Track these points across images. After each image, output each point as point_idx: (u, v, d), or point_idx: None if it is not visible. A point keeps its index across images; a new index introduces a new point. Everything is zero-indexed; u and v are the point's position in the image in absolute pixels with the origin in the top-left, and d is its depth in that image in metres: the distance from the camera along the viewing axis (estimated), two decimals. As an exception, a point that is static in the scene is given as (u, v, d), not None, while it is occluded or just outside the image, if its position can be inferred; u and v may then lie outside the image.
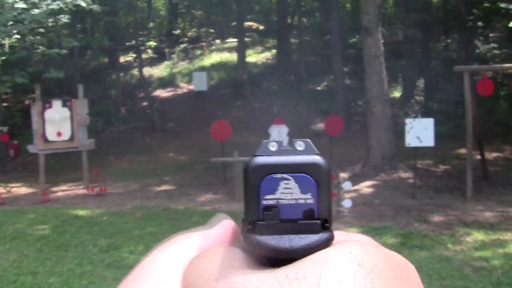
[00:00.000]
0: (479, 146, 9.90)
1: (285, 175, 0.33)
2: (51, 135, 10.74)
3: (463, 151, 11.10)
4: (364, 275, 0.29)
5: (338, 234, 0.36)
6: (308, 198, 0.33)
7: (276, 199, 0.33)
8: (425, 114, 12.06)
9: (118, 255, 6.09)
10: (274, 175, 0.33)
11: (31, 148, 11.01)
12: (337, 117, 11.00)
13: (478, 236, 6.63)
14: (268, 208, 0.33)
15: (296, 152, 0.34)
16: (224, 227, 0.39)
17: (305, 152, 0.34)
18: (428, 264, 5.56)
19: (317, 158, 0.34)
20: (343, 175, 10.26)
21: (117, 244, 6.53)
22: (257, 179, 0.33)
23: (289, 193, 0.33)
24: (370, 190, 9.76)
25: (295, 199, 0.33)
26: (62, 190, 11.13)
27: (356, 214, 7.92)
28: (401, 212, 8.10)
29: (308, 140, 0.35)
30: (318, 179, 0.33)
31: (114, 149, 15.20)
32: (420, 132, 8.93)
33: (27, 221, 7.96)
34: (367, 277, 0.29)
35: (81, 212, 8.55)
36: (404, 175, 10.54)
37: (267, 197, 0.33)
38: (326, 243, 0.32)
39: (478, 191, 9.13)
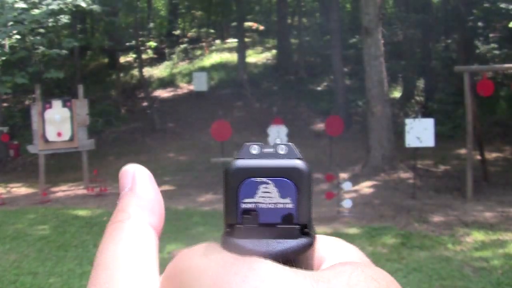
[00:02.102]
0: (479, 146, 9.90)
1: (264, 179, 0.33)
2: (51, 135, 10.74)
3: (463, 151, 11.10)
4: None
5: (325, 241, 0.36)
6: (287, 203, 0.33)
7: (255, 202, 0.33)
8: (425, 114, 12.06)
9: (118, 255, 6.08)
10: (254, 179, 0.33)
11: (31, 148, 11.01)
12: (337, 117, 11.00)
13: (478, 236, 6.63)
14: (246, 211, 0.33)
15: (277, 156, 0.33)
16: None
17: (287, 156, 0.34)
18: (428, 264, 5.56)
19: (297, 163, 0.33)
20: (343, 175, 10.26)
21: (117, 244, 6.52)
22: (237, 182, 0.33)
23: (268, 197, 0.33)
24: (370, 190, 9.76)
25: (274, 203, 0.33)
26: (62, 190, 11.13)
27: (356, 214, 7.92)
28: (401, 212, 8.10)
29: (291, 144, 0.34)
30: (298, 184, 0.33)
31: (114, 149, 15.20)
32: (420, 132, 8.93)
33: (27, 221, 7.96)
34: None
35: (81, 212, 8.55)
36: (404, 175, 10.54)
37: (246, 200, 0.33)
38: (304, 248, 0.32)
39: (478, 191, 9.12)
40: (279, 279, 0.27)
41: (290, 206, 0.33)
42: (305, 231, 0.33)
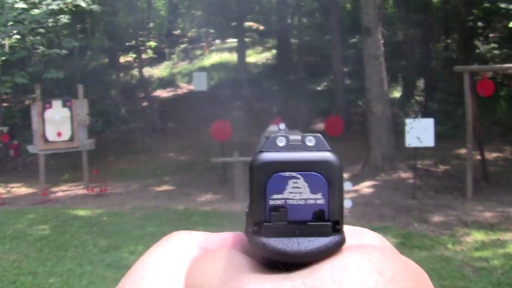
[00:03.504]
0: (479, 146, 9.90)
1: (293, 174, 0.31)
2: (51, 135, 10.74)
3: (463, 151, 11.10)
4: (385, 283, 0.28)
5: (349, 231, 0.34)
6: (318, 198, 0.31)
7: (284, 199, 0.31)
8: (425, 114, 12.06)
9: (118, 255, 6.09)
10: (282, 173, 0.31)
11: (31, 148, 11.01)
12: (337, 117, 11.00)
13: (478, 236, 6.63)
14: (275, 208, 0.31)
15: (306, 148, 0.31)
16: (228, 233, 0.37)
17: (316, 148, 0.31)
18: (428, 264, 5.56)
19: (328, 155, 0.31)
20: (343, 175, 10.25)
21: (117, 244, 6.53)
22: (264, 177, 0.30)
23: (298, 192, 0.31)
24: (370, 190, 9.76)
25: (305, 199, 0.31)
26: (62, 190, 11.12)
27: (356, 214, 7.92)
28: (401, 212, 8.10)
29: (319, 135, 0.32)
30: (329, 178, 0.31)
31: (114, 149, 15.20)
32: (420, 132, 8.92)
33: (27, 221, 7.96)
34: (389, 285, 0.28)
35: (81, 212, 8.55)
36: (404, 175, 10.54)
37: (274, 196, 0.31)
38: (337, 247, 0.30)
39: (478, 191, 9.12)
40: None
41: (322, 202, 0.31)
42: (337, 228, 0.31)
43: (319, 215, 0.31)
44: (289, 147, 0.31)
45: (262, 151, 0.31)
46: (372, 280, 0.28)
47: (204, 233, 0.37)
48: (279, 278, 0.29)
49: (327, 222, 0.31)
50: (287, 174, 0.31)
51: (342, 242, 0.31)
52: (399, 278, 0.29)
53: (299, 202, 0.31)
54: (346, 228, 0.34)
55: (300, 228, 0.30)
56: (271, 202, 0.31)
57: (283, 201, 0.31)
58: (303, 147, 0.32)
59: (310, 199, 0.31)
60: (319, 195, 0.31)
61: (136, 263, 0.35)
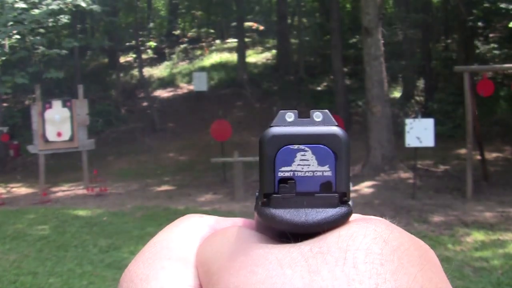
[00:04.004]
0: (479, 146, 9.90)
1: (302, 146, 0.32)
2: (51, 135, 10.74)
3: (463, 151, 11.10)
4: (391, 251, 0.29)
5: (357, 217, 0.35)
6: (325, 171, 0.32)
7: (292, 171, 0.32)
8: (425, 114, 12.06)
9: (118, 255, 6.09)
10: (291, 146, 0.32)
11: (31, 148, 11.01)
12: (337, 117, 10.98)
13: (478, 236, 6.63)
14: (283, 180, 0.32)
15: (314, 123, 0.32)
16: (239, 218, 0.38)
17: (323, 123, 0.32)
18: (428, 264, 5.55)
19: (335, 129, 0.32)
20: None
21: (117, 244, 6.53)
22: (273, 150, 0.32)
23: (306, 165, 0.31)
24: (370, 190, 9.76)
25: (312, 171, 0.32)
26: (62, 190, 11.13)
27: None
28: (401, 212, 8.10)
29: (327, 111, 0.33)
30: (337, 151, 0.32)
31: (114, 149, 15.20)
32: (420, 132, 8.92)
33: (27, 221, 7.96)
34: (394, 253, 0.29)
35: (81, 212, 8.55)
36: (404, 175, 10.54)
37: (283, 169, 0.32)
38: (344, 218, 0.31)
39: (478, 191, 9.12)
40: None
41: (329, 174, 0.32)
42: (344, 199, 0.32)
43: (326, 186, 0.32)
44: (297, 122, 0.32)
45: (271, 126, 0.32)
46: (377, 247, 0.29)
47: (215, 216, 0.38)
48: (287, 246, 0.30)
49: (334, 194, 0.32)
50: (295, 147, 0.32)
51: (349, 213, 0.32)
52: (404, 247, 0.30)
53: (307, 174, 0.32)
54: (354, 215, 0.34)
55: (308, 199, 0.31)
56: (280, 174, 0.32)
57: (291, 173, 0.32)
58: (311, 122, 0.32)
59: (317, 171, 0.32)
60: (326, 168, 0.32)
61: (149, 242, 0.36)
